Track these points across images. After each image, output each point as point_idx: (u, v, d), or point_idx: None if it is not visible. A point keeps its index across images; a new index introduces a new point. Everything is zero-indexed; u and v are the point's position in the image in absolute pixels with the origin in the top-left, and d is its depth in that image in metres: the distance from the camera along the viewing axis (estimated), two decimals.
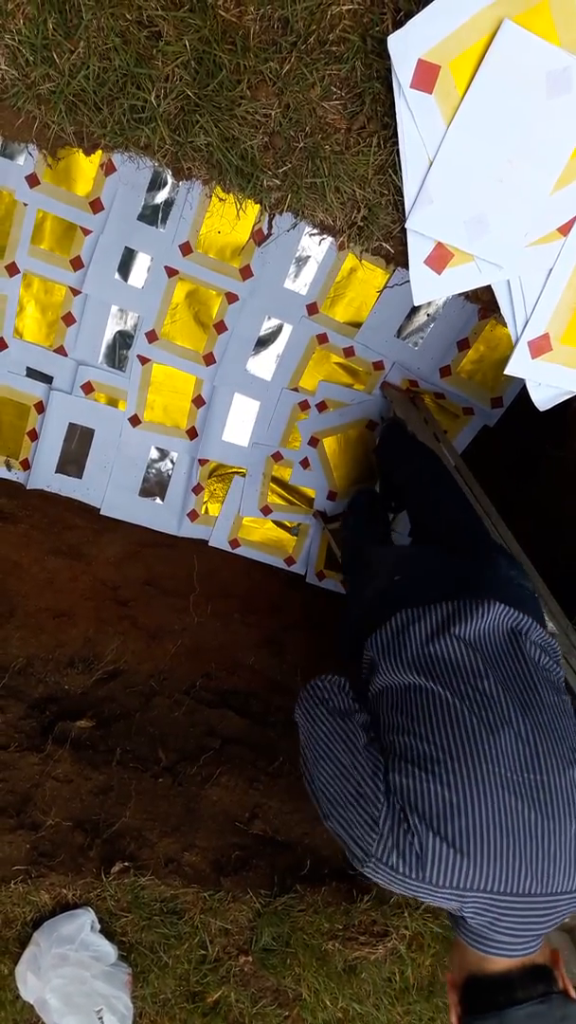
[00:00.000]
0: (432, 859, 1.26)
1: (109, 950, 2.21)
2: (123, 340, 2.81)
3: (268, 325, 2.76)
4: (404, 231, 1.44)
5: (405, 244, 1.46)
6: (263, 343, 2.79)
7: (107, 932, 2.25)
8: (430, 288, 1.51)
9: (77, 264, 2.65)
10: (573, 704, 1.57)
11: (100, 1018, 2.16)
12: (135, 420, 2.92)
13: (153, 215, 2.56)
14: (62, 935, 2.18)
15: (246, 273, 2.64)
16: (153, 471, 3.02)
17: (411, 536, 2.57)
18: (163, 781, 2.48)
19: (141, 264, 2.66)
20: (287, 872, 2.38)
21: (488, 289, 1.53)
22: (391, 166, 1.38)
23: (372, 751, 1.42)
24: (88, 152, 1.46)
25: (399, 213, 1.43)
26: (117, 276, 2.67)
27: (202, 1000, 2.41)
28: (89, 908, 2.23)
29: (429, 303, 2.64)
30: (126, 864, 2.26)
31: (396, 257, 1.51)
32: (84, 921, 2.20)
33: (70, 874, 2.21)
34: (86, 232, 2.59)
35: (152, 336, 2.78)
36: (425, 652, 1.51)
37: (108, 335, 2.80)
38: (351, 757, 1.42)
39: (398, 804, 1.32)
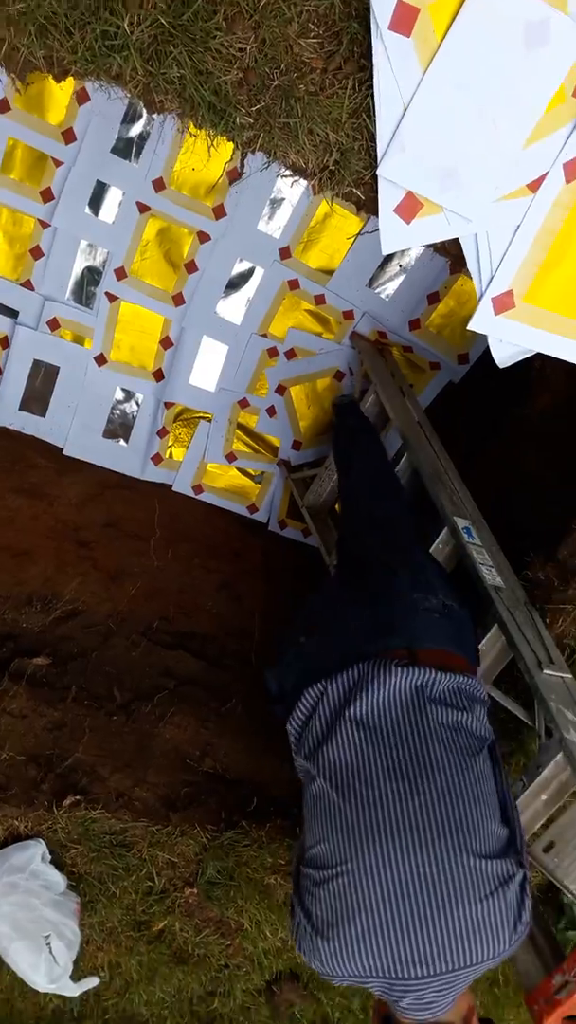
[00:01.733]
0: (325, 957, 1.37)
1: (59, 879, 2.26)
2: (91, 276, 2.76)
3: (240, 267, 2.72)
4: (375, 178, 1.43)
5: (376, 191, 1.45)
6: (234, 286, 2.76)
7: (57, 863, 2.30)
8: (399, 237, 1.50)
9: (47, 196, 2.59)
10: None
11: (48, 944, 2.22)
12: (101, 359, 2.88)
13: (126, 149, 2.50)
14: (13, 864, 2.22)
15: (219, 212, 2.60)
16: (118, 412, 3.00)
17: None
18: (117, 719, 2.51)
19: (112, 199, 2.60)
20: (234, 808, 2.44)
21: (457, 243, 1.53)
22: (365, 110, 1.36)
23: None
24: (58, 79, 1.42)
25: (371, 159, 1.42)
26: (88, 210, 2.61)
27: (147, 929, 2.49)
28: (40, 840, 2.28)
29: (402, 254, 2.63)
30: (77, 798, 2.30)
31: (367, 204, 1.50)
32: (35, 852, 2.24)
33: (22, 806, 2.25)
34: (57, 163, 2.52)
35: (121, 273, 2.73)
36: (321, 744, 1.53)
37: (76, 270, 2.75)
38: None
39: (299, 907, 1.45)
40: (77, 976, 2.29)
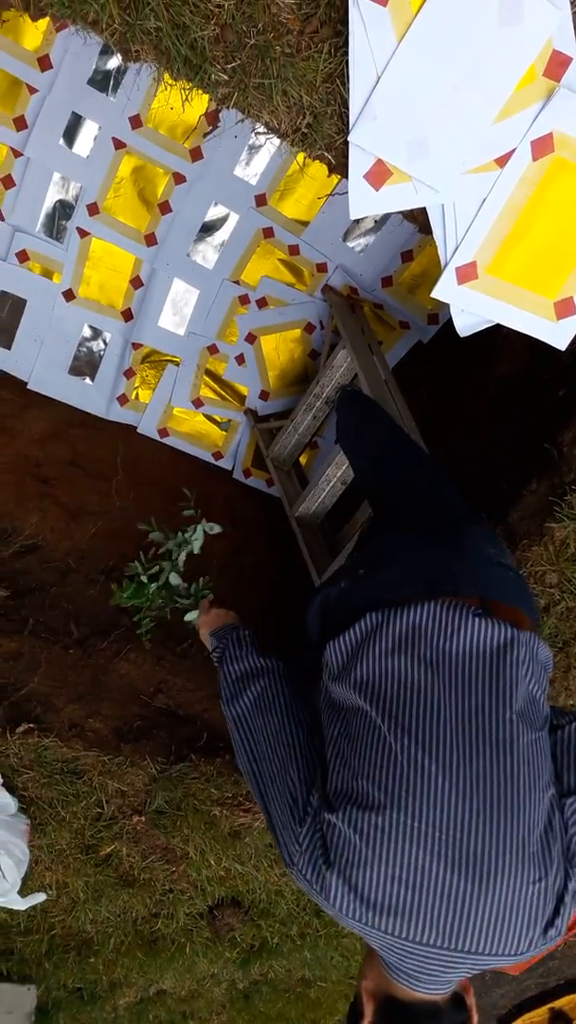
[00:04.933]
0: (335, 896, 1.25)
1: (9, 801, 2.36)
2: (63, 210, 2.72)
3: (214, 212, 2.71)
4: (347, 143, 1.45)
5: (347, 156, 1.46)
6: (208, 230, 2.75)
7: (8, 786, 2.38)
8: (367, 203, 1.52)
9: (20, 124, 2.54)
10: None
11: None
12: (69, 295, 2.86)
13: (104, 81, 2.45)
14: None
15: (196, 155, 2.57)
16: (84, 350, 2.98)
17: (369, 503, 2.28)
18: (73, 653, 2.57)
19: (88, 132, 2.56)
20: (185, 743, 2.53)
21: (424, 211, 1.56)
22: (339, 76, 1.36)
23: (308, 752, 1.39)
24: (34, 18, 1.39)
25: (343, 125, 1.43)
26: (62, 142, 2.56)
27: (95, 852, 2.60)
28: None
29: None
30: (31, 726, 2.37)
31: (337, 168, 1.52)
32: None
33: None
34: (32, 91, 2.47)
35: (94, 209, 2.70)
36: (379, 669, 1.35)
37: (48, 203, 2.71)
38: (288, 750, 1.40)
39: (317, 834, 1.29)
40: (25, 893, 2.40)
